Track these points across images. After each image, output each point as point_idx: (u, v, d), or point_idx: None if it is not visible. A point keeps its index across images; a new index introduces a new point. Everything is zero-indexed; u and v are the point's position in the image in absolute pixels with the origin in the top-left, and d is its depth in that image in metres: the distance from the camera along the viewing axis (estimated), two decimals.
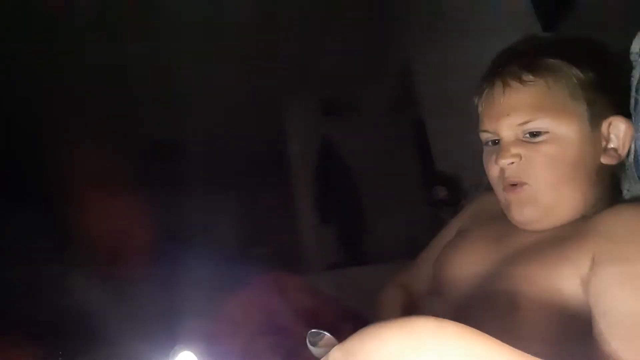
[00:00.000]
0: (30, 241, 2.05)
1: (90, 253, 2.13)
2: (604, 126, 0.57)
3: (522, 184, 0.58)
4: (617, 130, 0.57)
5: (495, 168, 0.60)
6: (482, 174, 0.67)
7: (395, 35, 2.40)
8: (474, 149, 0.70)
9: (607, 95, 0.57)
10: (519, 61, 0.58)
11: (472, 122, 0.68)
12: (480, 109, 0.64)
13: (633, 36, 0.59)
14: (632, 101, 0.57)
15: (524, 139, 0.58)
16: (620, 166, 0.61)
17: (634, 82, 0.57)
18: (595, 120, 0.56)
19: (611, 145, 0.58)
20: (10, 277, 1.72)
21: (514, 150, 0.58)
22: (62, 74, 2.38)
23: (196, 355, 0.48)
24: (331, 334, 0.40)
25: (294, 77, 2.80)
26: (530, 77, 0.57)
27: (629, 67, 0.59)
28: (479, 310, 0.56)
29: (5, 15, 1.95)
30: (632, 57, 0.58)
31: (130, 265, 2.16)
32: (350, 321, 0.77)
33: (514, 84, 0.58)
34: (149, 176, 2.58)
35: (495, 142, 0.61)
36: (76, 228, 2.24)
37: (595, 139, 0.57)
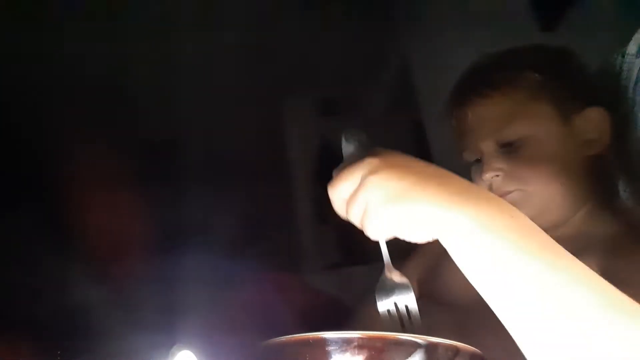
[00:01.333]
0: (29, 240, 2.05)
1: (89, 252, 2.13)
2: (578, 120, 0.59)
3: (512, 191, 0.59)
4: (592, 121, 0.59)
5: (483, 184, 0.62)
6: None
7: (395, 35, 2.40)
8: None
9: (571, 90, 0.59)
10: (478, 79, 0.63)
11: None
12: (453, 131, 0.66)
13: (630, 37, 0.59)
14: (630, 102, 0.57)
15: (502, 153, 0.60)
16: (615, 162, 0.62)
17: (631, 83, 0.57)
18: (566, 116, 0.59)
19: (589, 136, 0.59)
20: (9, 276, 1.72)
21: (496, 164, 0.60)
22: (61, 73, 2.38)
23: (195, 355, 0.48)
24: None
25: (293, 77, 2.79)
26: (491, 92, 0.61)
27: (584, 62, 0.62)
28: (484, 320, 0.56)
29: (5, 15, 1.95)
30: (629, 59, 0.58)
31: (128, 264, 2.16)
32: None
33: (478, 100, 0.62)
34: (148, 175, 2.58)
35: (478, 160, 0.64)
36: (75, 227, 2.24)
37: (571, 134, 0.59)
